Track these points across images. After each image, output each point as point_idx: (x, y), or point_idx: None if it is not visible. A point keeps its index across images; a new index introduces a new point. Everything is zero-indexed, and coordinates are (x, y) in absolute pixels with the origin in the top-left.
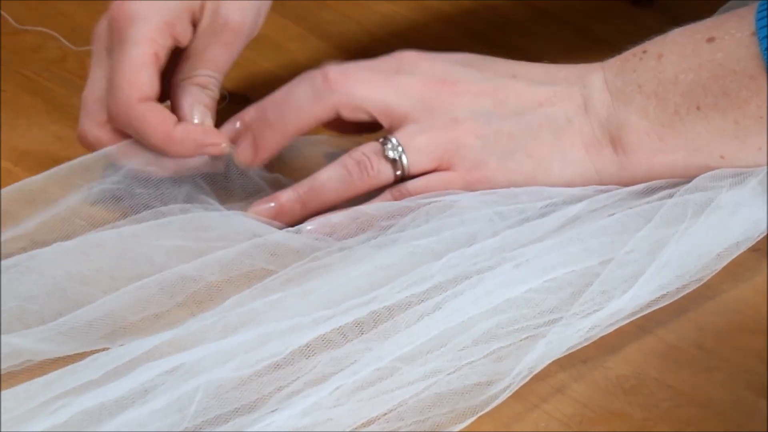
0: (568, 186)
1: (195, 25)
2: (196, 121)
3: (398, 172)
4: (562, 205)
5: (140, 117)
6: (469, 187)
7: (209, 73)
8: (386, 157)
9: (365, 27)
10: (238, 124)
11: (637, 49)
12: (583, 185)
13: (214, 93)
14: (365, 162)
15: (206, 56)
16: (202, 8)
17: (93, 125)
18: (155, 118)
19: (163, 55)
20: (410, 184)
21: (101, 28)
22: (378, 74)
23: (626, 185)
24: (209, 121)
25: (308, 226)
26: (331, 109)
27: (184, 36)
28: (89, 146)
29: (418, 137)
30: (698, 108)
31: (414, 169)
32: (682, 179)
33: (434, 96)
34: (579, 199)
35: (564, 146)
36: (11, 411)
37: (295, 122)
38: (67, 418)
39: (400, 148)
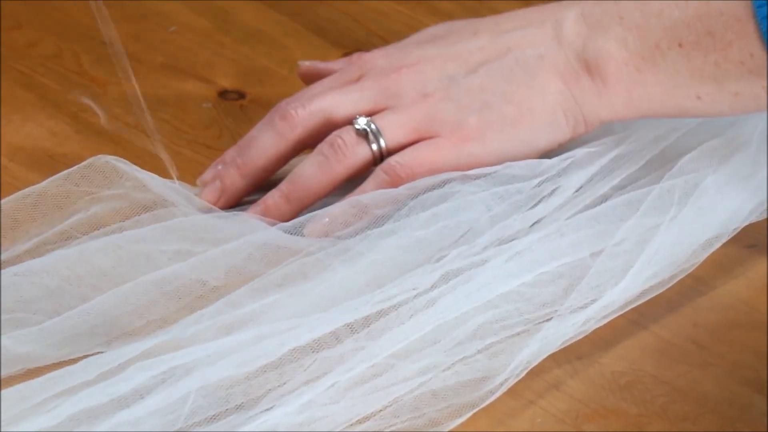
0: (554, 120)
1: None
2: None
3: (374, 146)
4: (557, 179)
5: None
6: (459, 149)
7: None
8: (358, 132)
9: (362, 23)
10: (220, 167)
11: None
12: (566, 118)
13: None
14: (338, 142)
15: None
16: None
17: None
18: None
19: None
20: (399, 156)
21: None
22: (336, 94)
23: (608, 120)
24: None
25: (307, 228)
26: (295, 145)
27: None
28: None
29: (390, 116)
30: (680, 45)
31: (392, 145)
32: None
33: (396, 83)
34: (575, 168)
35: (541, 83)
36: (8, 411)
37: (261, 165)
38: (63, 418)
39: (372, 124)
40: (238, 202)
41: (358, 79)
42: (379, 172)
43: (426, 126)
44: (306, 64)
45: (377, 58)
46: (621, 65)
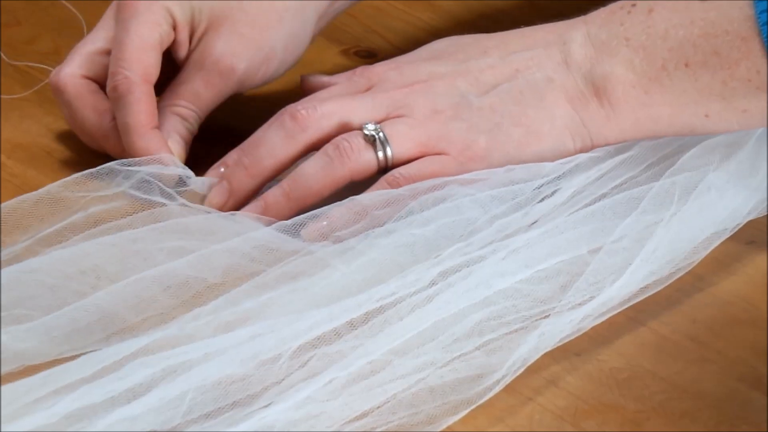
0: (561, 143)
1: (191, 34)
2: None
3: (380, 153)
4: (557, 181)
5: (135, 96)
6: (464, 168)
7: (190, 106)
8: (366, 138)
9: (359, 19)
10: (222, 169)
11: (625, 3)
12: (573, 140)
13: (192, 126)
14: (344, 145)
15: (189, 89)
16: (192, 22)
17: (70, 72)
18: (146, 105)
19: (166, 42)
20: (404, 169)
21: None
22: (347, 99)
23: (615, 141)
24: (180, 152)
25: (304, 231)
26: (304, 147)
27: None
28: (56, 89)
29: (399, 126)
30: (687, 65)
31: (399, 155)
32: (668, 138)
33: (407, 97)
34: (575, 171)
35: (549, 105)
36: (5, 408)
37: (270, 165)
38: (60, 415)
39: (380, 132)
40: (246, 203)
41: (367, 90)
42: (382, 183)
43: (435, 142)
44: (310, 78)
45: (386, 71)
46: (628, 88)
